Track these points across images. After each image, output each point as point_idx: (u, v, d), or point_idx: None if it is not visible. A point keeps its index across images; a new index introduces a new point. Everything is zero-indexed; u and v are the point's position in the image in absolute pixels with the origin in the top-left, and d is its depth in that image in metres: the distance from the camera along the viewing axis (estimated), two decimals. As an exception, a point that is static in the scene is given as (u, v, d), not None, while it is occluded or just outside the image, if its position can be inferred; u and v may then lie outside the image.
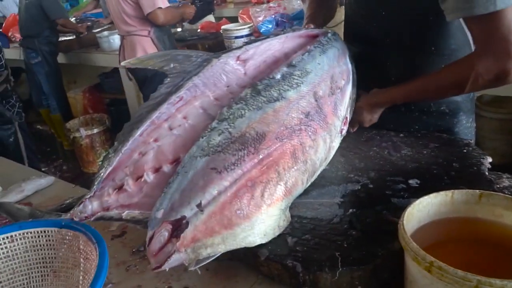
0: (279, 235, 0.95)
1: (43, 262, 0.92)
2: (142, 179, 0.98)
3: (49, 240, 0.90)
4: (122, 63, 1.15)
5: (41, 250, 0.91)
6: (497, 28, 0.99)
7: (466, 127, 1.38)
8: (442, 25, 1.20)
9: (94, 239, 0.82)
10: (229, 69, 1.11)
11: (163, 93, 1.06)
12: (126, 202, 0.98)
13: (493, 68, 1.02)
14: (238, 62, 1.14)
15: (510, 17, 0.98)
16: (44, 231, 0.90)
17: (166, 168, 0.99)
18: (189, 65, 1.10)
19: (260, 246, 0.93)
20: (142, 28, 3.36)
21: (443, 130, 1.35)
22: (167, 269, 0.87)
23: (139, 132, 1.01)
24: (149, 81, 3.39)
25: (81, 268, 0.86)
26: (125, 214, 0.97)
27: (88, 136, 4.05)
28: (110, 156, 1.01)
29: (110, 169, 1.00)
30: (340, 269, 0.84)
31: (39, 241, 0.91)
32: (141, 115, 1.04)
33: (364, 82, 1.32)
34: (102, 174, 0.99)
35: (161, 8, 3.21)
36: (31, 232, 0.90)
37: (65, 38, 4.82)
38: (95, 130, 4.08)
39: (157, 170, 0.99)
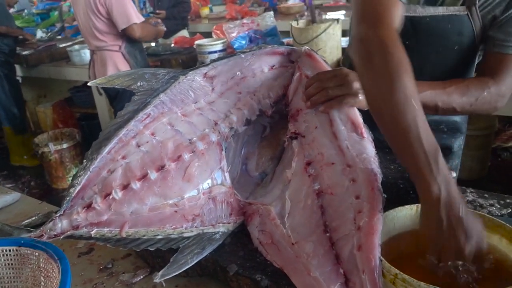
0: (248, 250, 0.96)
1: (1, 283, 0.88)
2: (111, 197, 0.98)
3: (8, 260, 0.87)
4: (89, 83, 1.15)
5: None
6: None
7: (460, 148, 1.44)
8: (471, 60, 1.27)
9: (55, 256, 0.80)
10: (197, 85, 1.13)
11: (130, 110, 1.07)
12: (95, 220, 0.98)
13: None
14: (205, 79, 1.15)
15: None
16: (2, 250, 0.87)
17: (134, 184, 0.99)
18: (156, 82, 1.10)
19: (230, 261, 0.93)
20: (113, 43, 3.33)
21: (444, 151, 1.34)
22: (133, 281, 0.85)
23: (106, 149, 1.01)
24: (120, 96, 3.36)
25: (42, 287, 0.83)
26: (94, 232, 0.97)
27: (57, 151, 3.95)
28: (79, 174, 1.00)
29: (79, 187, 0.99)
30: (309, 283, 0.84)
31: None
32: (109, 132, 1.04)
33: None
34: (71, 193, 0.99)
35: (136, 23, 3.20)
36: None
37: (31, 51, 4.72)
38: (65, 145, 3.99)
39: (125, 187, 0.99)
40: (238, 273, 0.90)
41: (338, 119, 1.05)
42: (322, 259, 0.87)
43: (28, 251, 0.85)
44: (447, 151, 1.37)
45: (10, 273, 0.88)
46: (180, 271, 0.93)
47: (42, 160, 4.05)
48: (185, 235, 1.00)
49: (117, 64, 3.32)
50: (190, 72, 1.13)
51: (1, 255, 0.87)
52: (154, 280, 0.92)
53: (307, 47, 1.21)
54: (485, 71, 1.17)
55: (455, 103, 1.11)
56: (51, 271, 0.81)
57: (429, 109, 1.10)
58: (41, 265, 0.83)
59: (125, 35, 3.28)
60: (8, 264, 0.87)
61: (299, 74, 1.16)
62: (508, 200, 1.14)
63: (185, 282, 1.00)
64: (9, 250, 0.87)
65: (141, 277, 1.02)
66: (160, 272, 0.92)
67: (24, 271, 0.87)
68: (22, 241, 0.87)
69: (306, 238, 0.93)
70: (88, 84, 1.16)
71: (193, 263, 0.94)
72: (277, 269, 0.89)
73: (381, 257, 0.74)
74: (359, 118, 1.05)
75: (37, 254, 0.84)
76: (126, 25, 3.16)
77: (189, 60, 3.63)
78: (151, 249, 0.97)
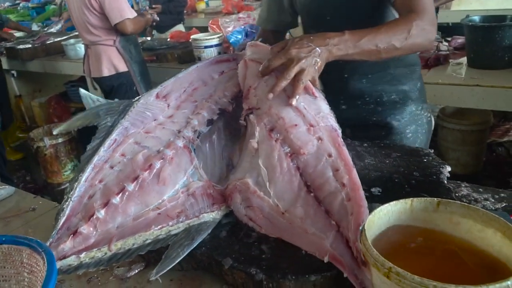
0: (243, 244, 0.96)
1: None
2: (94, 217, 1.00)
3: None
4: (54, 132, 1.26)
5: None
6: None
7: (416, 114, 1.55)
8: (377, 18, 1.37)
9: (39, 248, 0.79)
10: (151, 106, 1.21)
11: (97, 142, 1.14)
12: (82, 245, 0.98)
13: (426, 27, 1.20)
14: (158, 99, 1.23)
15: None
16: None
17: (114, 199, 1.02)
18: (113, 113, 1.19)
19: (225, 254, 0.93)
20: (107, 37, 3.31)
21: (398, 118, 1.51)
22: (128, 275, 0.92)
23: (83, 178, 1.07)
24: (115, 91, 3.35)
25: (26, 283, 0.82)
26: (83, 256, 0.97)
27: (53, 146, 3.94)
28: (63, 207, 1.04)
29: (63, 219, 1.02)
30: (303, 276, 0.85)
31: None
32: (83, 164, 1.10)
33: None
34: (57, 226, 1.01)
35: (129, 18, 3.19)
36: None
37: (27, 46, 4.70)
38: (60, 140, 3.98)
39: (106, 204, 1.02)
40: (233, 266, 0.90)
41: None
42: (314, 218, 0.93)
43: (10, 248, 0.84)
44: (401, 120, 1.52)
45: None
46: (173, 264, 0.94)
47: (37, 155, 4.04)
48: (173, 232, 1.01)
49: (112, 59, 3.31)
50: (142, 97, 1.23)
51: None
52: (150, 279, 0.93)
53: (250, 41, 1.30)
54: (405, 11, 1.25)
55: (393, 40, 1.16)
56: (35, 265, 0.80)
57: (373, 53, 1.17)
58: (24, 260, 0.82)
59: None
60: None
61: (243, 61, 1.24)
62: (502, 194, 1.15)
63: (179, 276, 1.00)
64: None
65: (136, 271, 1.02)
66: (155, 270, 0.93)
67: (6, 269, 0.86)
68: (3, 239, 0.86)
69: (294, 204, 0.96)
70: (54, 132, 1.26)
71: (184, 255, 0.95)
72: (271, 263, 0.90)
73: (376, 251, 0.74)
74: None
75: (19, 250, 0.83)
76: (119, 20, 3.15)
77: (185, 54, 3.62)
78: (141, 253, 0.98)
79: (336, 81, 1.48)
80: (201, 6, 6.70)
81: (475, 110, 3.07)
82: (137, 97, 1.23)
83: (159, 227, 1.01)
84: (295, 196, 0.97)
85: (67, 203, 1.03)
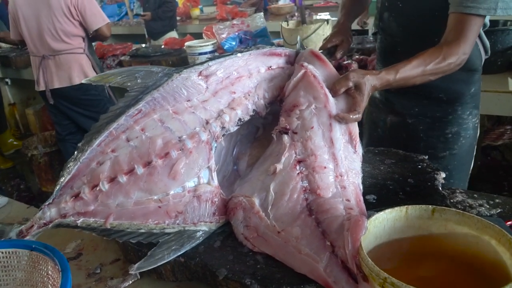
0: (238, 254, 0.95)
1: (14, 284, 0.89)
2: (98, 188, 1.01)
3: (20, 262, 0.87)
4: (83, 81, 1.14)
5: (12, 271, 0.88)
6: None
7: (461, 117, 1.52)
8: (443, 19, 1.31)
9: (59, 267, 0.79)
10: (190, 84, 1.11)
11: (122, 106, 1.07)
12: (82, 210, 1.01)
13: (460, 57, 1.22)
14: (200, 77, 1.13)
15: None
16: (15, 252, 0.88)
17: (121, 178, 1.01)
18: (150, 80, 1.11)
19: (219, 265, 0.93)
20: (78, 45, 3.26)
21: (438, 116, 1.51)
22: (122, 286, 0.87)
23: (97, 142, 1.04)
24: (88, 98, 3.34)
25: None
26: (81, 221, 1.00)
27: (47, 154, 3.92)
28: (69, 165, 1.03)
29: (69, 177, 1.02)
30: (298, 286, 0.84)
31: (10, 261, 0.88)
32: (100, 125, 1.06)
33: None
34: (61, 182, 1.02)
35: (108, 22, 3.24)
36: (2, 252, 0.88)
37: (20, 53, 4.67)
38: (54, 148, 3.96)
39: (112, 179, 1.01)
40: (227, 277, 0.90)
41: (338, 126, 1.06)
42: (310, 238, 0.92)
43: (39, 257, 0.86)
44: (444, 118, 1.51)
45: (21, 275, 0.88)
46: (156, 265, 0.95)
47: (32, 163, 4.01)
48: (167, 231, 1.01)
49: (83, 66, 3.26)
50: (185, 70, 1.13)
51: (14, 257, 0.88)
52: (130, 272, 0.95)
53: (311, 48, 1.22)
54: (451, 33, 1.25)
55: (434, 72, 1.19)
56: (56, 280, 0.80)
57: (411, 82, 1.19)
58: (49, 272, 0.84)
59: (88, 37, 3.26)
60: (20, 267, 0.88)
61: (305, 71, 1.12)
62: (497, 200, 1.15)
63: (174, 287, 0.99)
64: (21, 253, 0.88)
65: (130, 282, 1.01)
66: (136, 265, 0.95)
67: (34, 275, 0.87)
68: (33, 246, 0.87)
69: (292, 224, 0.96)
70: (83, 81, 1.15)
71: (169, 259, 0.96)
72: (266, 273, 0.89)
73: (371, 261, 0.73)
74: (357, 131, 1.07)
75: (46, 260, 0.84)
76: (100, 25, 3.14)
77: (179, 61, 3.61)
78: (133, 241, 1.00)
79: (391, 64, 1.43)
80: (196, 12, 6.71)
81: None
82: (180, 68, 1.14)
83: (155, 222, 1.01)
84: (294, 219, 0.96)
85: (74, 162, 1.03)
